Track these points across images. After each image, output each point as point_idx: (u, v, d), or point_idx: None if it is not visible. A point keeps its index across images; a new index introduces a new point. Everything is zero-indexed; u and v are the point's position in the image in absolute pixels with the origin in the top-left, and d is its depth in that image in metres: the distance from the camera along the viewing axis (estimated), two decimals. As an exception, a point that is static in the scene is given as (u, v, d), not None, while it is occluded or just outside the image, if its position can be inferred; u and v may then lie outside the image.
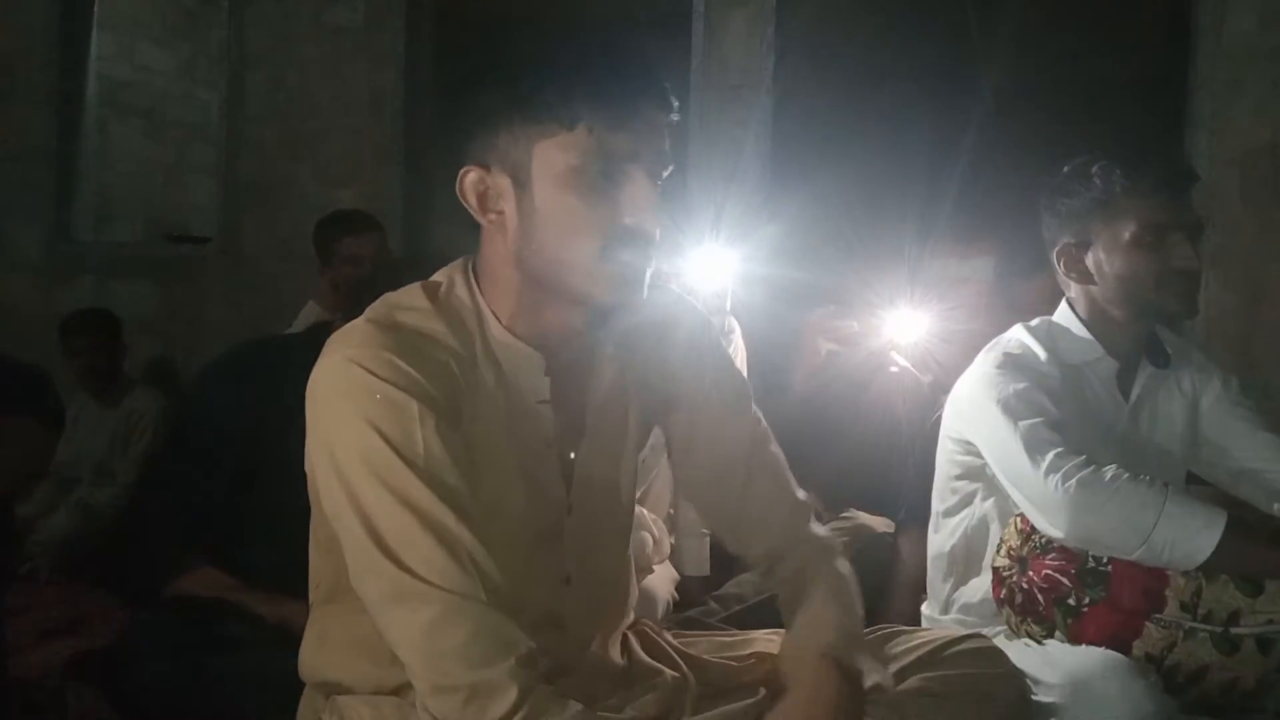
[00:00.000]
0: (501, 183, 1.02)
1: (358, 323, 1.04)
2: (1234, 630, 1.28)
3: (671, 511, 2.26)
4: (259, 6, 3.83)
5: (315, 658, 1.14)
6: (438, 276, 1.09)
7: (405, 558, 0.94)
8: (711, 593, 2.20)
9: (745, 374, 1.84)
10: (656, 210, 1.01)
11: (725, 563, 2.33)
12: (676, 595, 2.24)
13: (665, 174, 1.04)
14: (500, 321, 1.06)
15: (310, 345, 1.67)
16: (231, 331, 3.24)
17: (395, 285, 1.50)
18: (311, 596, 1.15)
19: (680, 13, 3.31)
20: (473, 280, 1.07)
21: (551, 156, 0.99)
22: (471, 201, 1.04)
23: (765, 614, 1.77)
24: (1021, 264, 2.29)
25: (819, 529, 1.23)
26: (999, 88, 3.62)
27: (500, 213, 1.02)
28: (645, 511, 2.08)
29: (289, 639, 1.45)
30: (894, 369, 2.30)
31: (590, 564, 1.15)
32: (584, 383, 1.12)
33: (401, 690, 1.04)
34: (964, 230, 2.72)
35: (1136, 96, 3.09)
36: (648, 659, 1.22)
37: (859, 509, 2.30)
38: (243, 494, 1.60)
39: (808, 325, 2.40)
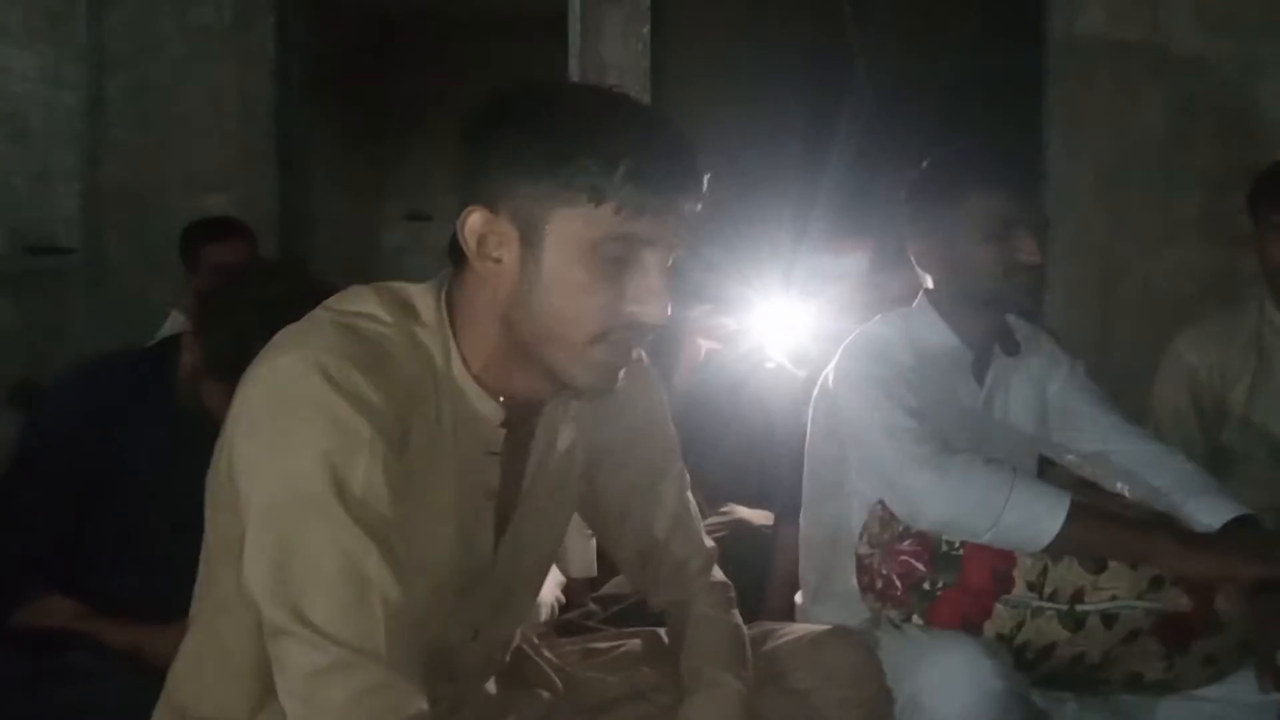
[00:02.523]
0: (508, 232, 0.95)
1: (319, 321, 0.96)
2: (1079, 607, 1.33)
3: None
4: (121, 7, 3.68)
5: (185, 676, 1.06)
6: (403, 290, 1.01)
7: (307, 600, 0.87)
8: (593, 594, 2.20)
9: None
10: (664, 303, 0.95)
11: (610, 563, 2.33)
12: (562, 598, 2.24)
13: (675, 261, 0.98)
14: (466, 365, 1.00)
15: (158, 360, 1.63)
16: (97, 347, 3.09)
17: (251, 294, 1.46)
18: (195, 609, 1.06)
19: (557, 12, 3.30)
20: (445, 313, 1.00)
21: (572, 226, 0.93)
22: (470, 244, 0.96)
23: (644, 612, 1.77)
24: (892, 258, 2.35)
25: (718, 575, 1.26)
26: (874, 83, 3.72)
27: (498, 260, 0.96)
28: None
29: (139, 668, 1.40)
30: (770, 365, 2.33)
31: (499, 620, 1.13)
32: (530, 436, 1.07)
33: None
34: (839, 226, 2.78)
35: (997, 92, 3.20)
36: (523, 682, 1.21)
37: (738, 504, 2.32)
38: (90, 517, 1.53)
39: (686, 324, 2.42)
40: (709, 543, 1.27)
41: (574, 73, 3.25)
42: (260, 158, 3.55)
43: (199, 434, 1.54)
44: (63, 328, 3.74)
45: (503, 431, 1.02)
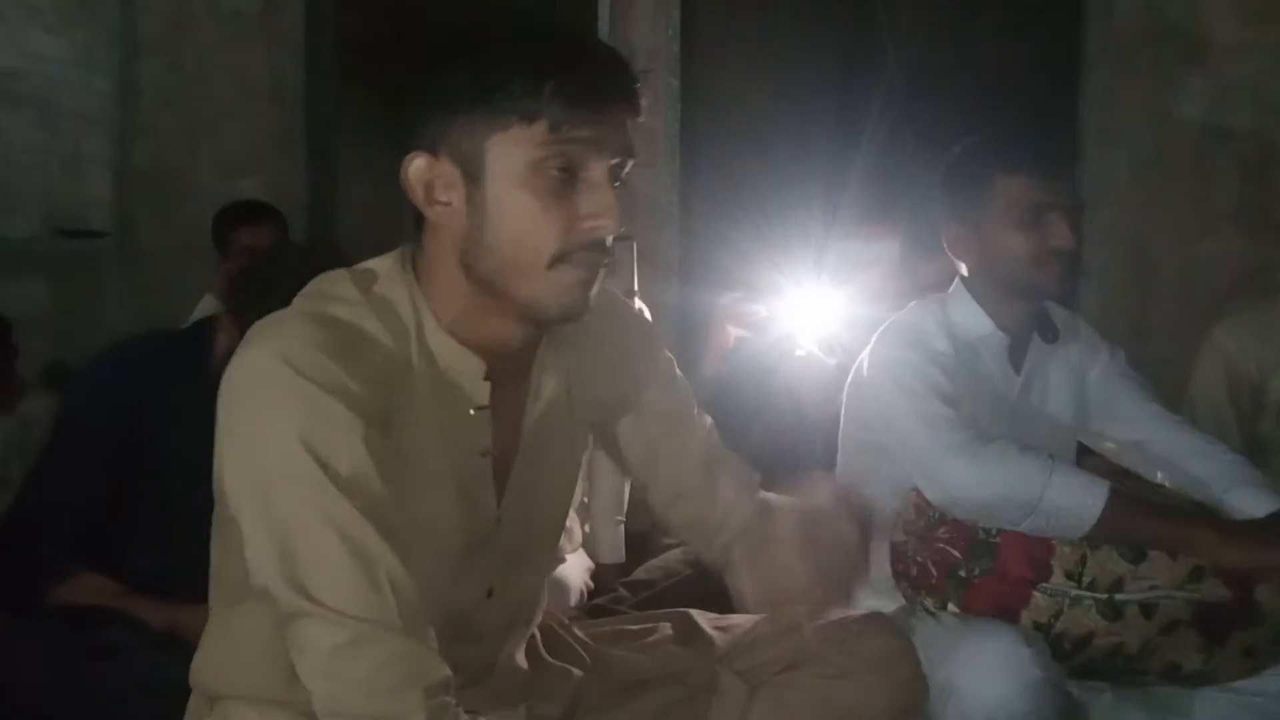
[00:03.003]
0: (451, 173, 0.95)
1: (287, 313, 0.97)
2: (1118, 597, 1.32)
3: (585, 500, 2.26)
4: (152, -10, 3.70)
5: (209, 662, 1.08)
6: (370, 264, 1.01)
7: (315, 581, 0.88)
8: (622, 579, 2.21)
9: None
10: (615, 214, 0.95)
11: (639, 548, 2.34)
12: (591, 583, 2.24)
13: (625, 173, 0.99)
14: (439, 322, 0.99)
15: (194, 341, 1.64)
16: (129, 329, 3.12)
17: (284, 275, 1.47)
18: (212, 597, 1.08)
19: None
20: (411, 275, 1.00)
21: (508, 151, 0.93)
22: (417, 191, 0.96)
23: (674, 599, 1.78)
24: (924, 244, 2.33)
25: (767, 497, 1.23)
26: (906, 66, 3.68)
27: (447, 204, 0.96)
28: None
29: (173, 645, 1.41)
30: (800, 353, 2.32)
31: (514, 577, 1.12)
32: (523, 390, 1.06)
33: (297, 704, 0.97)
34: (870, 212, 2.76)
35: (1033, 76, 3.16)
36: (553, 658, 1.20)
37: (769, 490, 2.31)
38: (125, 496, 1.54)
39: (716, 311, 2.41)
40: (750, 473, 1.25)
41: (603, 58, 3.24)
42: (290, 142, 3.56)
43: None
44: (94, 310, 3.78)
45: (487, 385, 1.01)
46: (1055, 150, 1.57)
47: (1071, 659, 1.35)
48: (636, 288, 2.32)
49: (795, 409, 2.27)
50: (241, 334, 1.47)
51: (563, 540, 2.18)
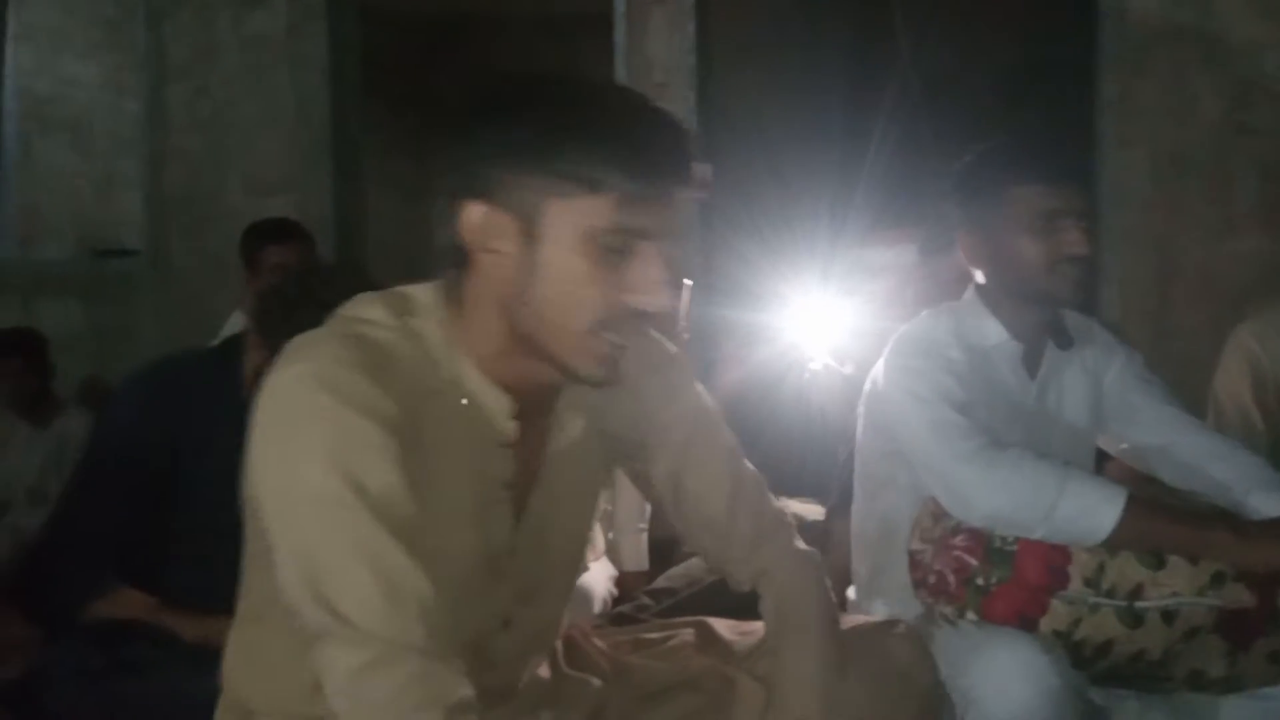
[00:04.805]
0: (506, 224, 0.95)
1: (320, 333, 0.98)
2: (1138, 604, 1.31)
3: (608, 508, 2.28)
4: (179, 16, 3.77)
5: (237, 676, 1.11)
6: (406, 291, 1.02)
7: (342, 600, 0.89)
8: (645, 587, 2.22)
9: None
10: (663, 290, 0.95)
11: (661, 556, 2.36)
12: (615, 590, 2.26)
13: (677, 249, 1.00)
14: (472, 358, 1.00)
15: (224, 359, 1.68)
16: (162, 348, 3.18)
17: (310, 294, 1.50)
18: (240, 609, 1.11)
19: (603, 12, 3.32)
20: (448, 308, 1.01)
21: (568, 217, 0.93)
22: (469, 238, 0.97)
23: (696, 606, 1.79)
24: (943, 243, 2.33)
25: (798, 543, 1.23)
26: (921, 74, 3.68)
27: (497, 252, 0.96)
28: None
29: (204, 660, 1.44)
30: (815, 366, 2.33)
31: (529, 608, 1.13)
32: (546, 422, 1.08)
33: (322, 718, 0.99)
34: (886, 218, 2.77)
35: (1049, 79, 3.14)
36: (573, 668, 1.22)
37: (790, 497, 2.33)
38: (159, 513, 1.58)
39: (723, 357, 2.43)
40: (784, 512, 1.25)
41: (620, 70, 3.27)
42: (317, 160, 3.62)
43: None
44: (128, 328, 3.86)
45: (514, 423, 1.02)
46: (1067, 157, 1.57)
47: (1093, 666, 1.34)
48: (686, 325, 2.33)
49: (805, 418, 2.28)
50: (270, 352, 1.51)
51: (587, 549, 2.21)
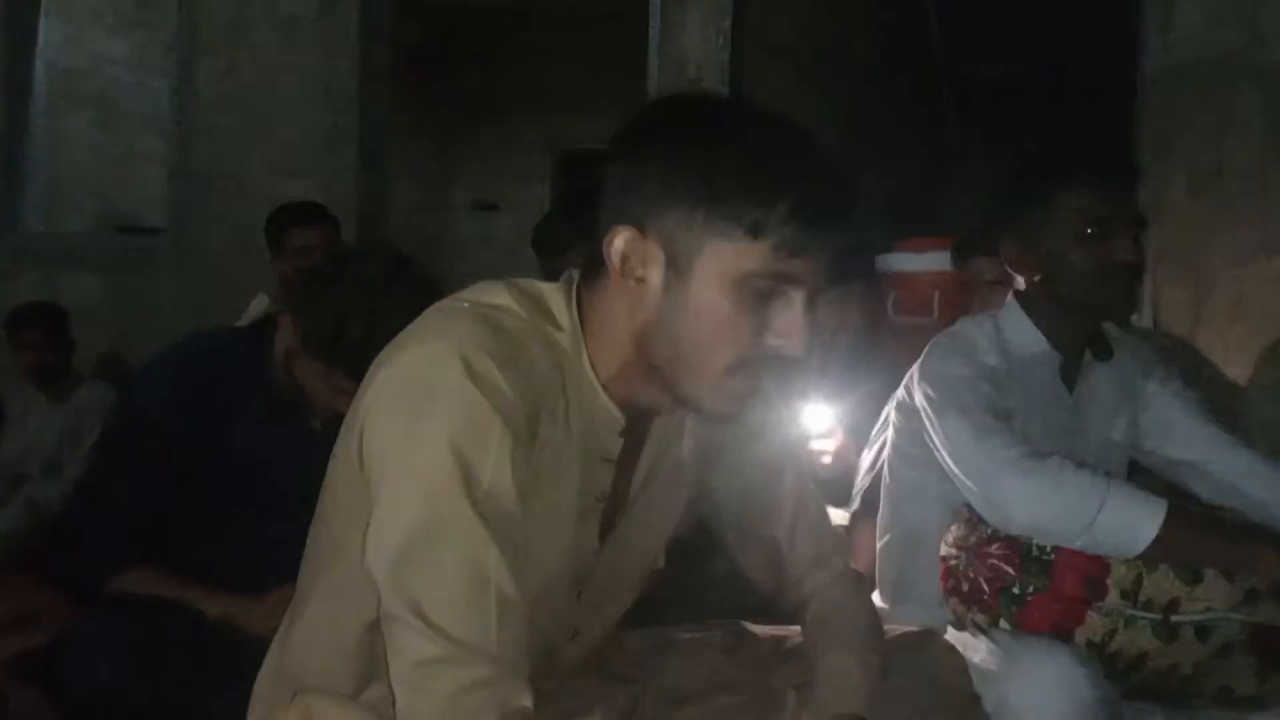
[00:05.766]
0: (655, 254, 0.94)
1: (461, 310, 0.96)
2: (1173, 618, 1.30)
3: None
4: (211, -7, 3.77)
5: (294, 649, 1.08)
6: (531, 287, 1.01)
7: (425, 593, 0.88)
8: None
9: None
10: (805, 339, 0.94)
11: (681, 556, 2.34)
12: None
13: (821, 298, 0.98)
14: (595, 372, 1.00)
15: (255, 339, 1.67)
16: (182, 324, 3.17)
17: (343, 276, 1.49)
18: (304, 587, 1.08)
19: (637, 7, 3.31)
20: (576, 317, 1.00)
21: (723, 259, 0.91)
22: (615, 262, 0.95)
23: (728, 608, 1.77)
24: (976, 247, 2.32)
25: (848, 565, 1.23)
26: (957, 83, 3.66)
27: (641, 280, 0.95)
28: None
29: (230, 637, 1.44)
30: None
31: (598, 618, 1.13)
32: (644, 437, 1.07)
33: (378, 704, 0.99)
34: (924, 220, 2.75)
35: (1091, 94, 3.12)
36: (606, 669, 1.21)
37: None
38: (185, 490, 1.57)
39: None
40: (841, 535, 1.25)
41: (653, 66, 3.26)
42: (343, 144, 3.62)
43: (293, 412, 1.60)
44: (148, 304, 3.86)
45: (621, 440, 1.02)
46: (1118, 163, 1.55)
47: (1125, 679, 1.33)
48: None
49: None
50: (302, 334, 1.51)
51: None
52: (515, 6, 5.28)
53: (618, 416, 1.01)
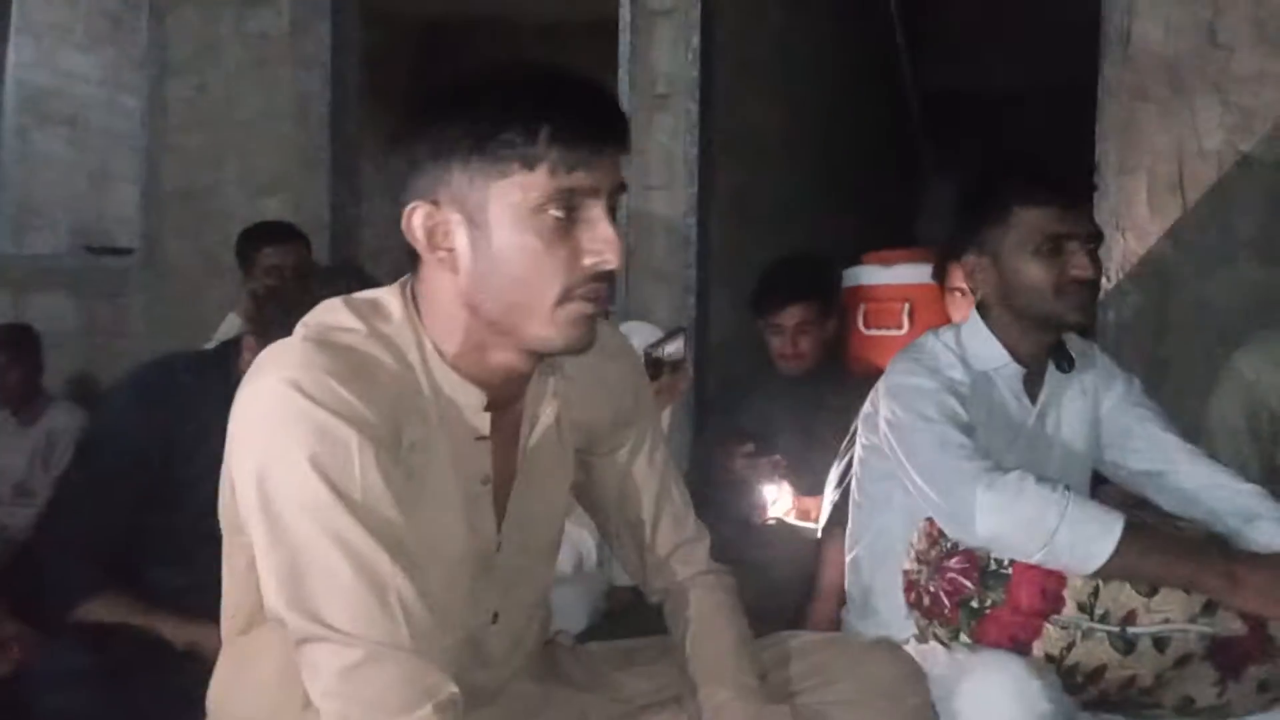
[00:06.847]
0: (453, 220, 0.97)
1: (293, 341, 0.98)
2: (1130, 630, 1.31)
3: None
4: (181, 13, 3.76)
5: (225, 692, 1.11)
6: (368, 296, 1.04)
7: (326, 604, 0.90)
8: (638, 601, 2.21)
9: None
10: (616, 248, 0.97)
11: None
12: (604, 604, 2.26)
13: (619, 204, 1.01)
14: (441, 355, 1.02)
15: (219, 362, 1.67)
16: (154, 346, 3.17)
17: (307, 296, 1.49)
18: (225, 627, 1.11)
19: (608, 22, 3.32)
20: (412, 309, 1.03)
21: (510, 197, 0.95)
22: (419, 238, 0.99)
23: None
24: (949, 250, 2.34)
25: (711, 564, 1.26)
26: (924, 94, 3.69)
27: (450, 250, 0.98)
28: (573, 527, 2.09)
29: (195, 663, 1.43)
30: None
31: (516, 599, 1.14)
32: (518, 416, 1.09)
33: None
34: (893, 232, 2.77)
35: (1051, 104, 3.16)
36: (560, 679, 1.22)
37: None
38: (151, 515, 1.56)
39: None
40: (704, 528, 1.28)
41: (623, 82, 3.27)
42: (315, 161, 3.61)
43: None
44: (120, 325, 3.84)
45: (487, 416, 1.04)
46: (1073, 180, 1.57)
47: (1084, 692, 1.34)
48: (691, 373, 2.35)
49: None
50: (265, 354, 1.51)
51: (575, 560, 2.21)
52: (487, 22, 5.29)
53: (476, 394, 1.03)
